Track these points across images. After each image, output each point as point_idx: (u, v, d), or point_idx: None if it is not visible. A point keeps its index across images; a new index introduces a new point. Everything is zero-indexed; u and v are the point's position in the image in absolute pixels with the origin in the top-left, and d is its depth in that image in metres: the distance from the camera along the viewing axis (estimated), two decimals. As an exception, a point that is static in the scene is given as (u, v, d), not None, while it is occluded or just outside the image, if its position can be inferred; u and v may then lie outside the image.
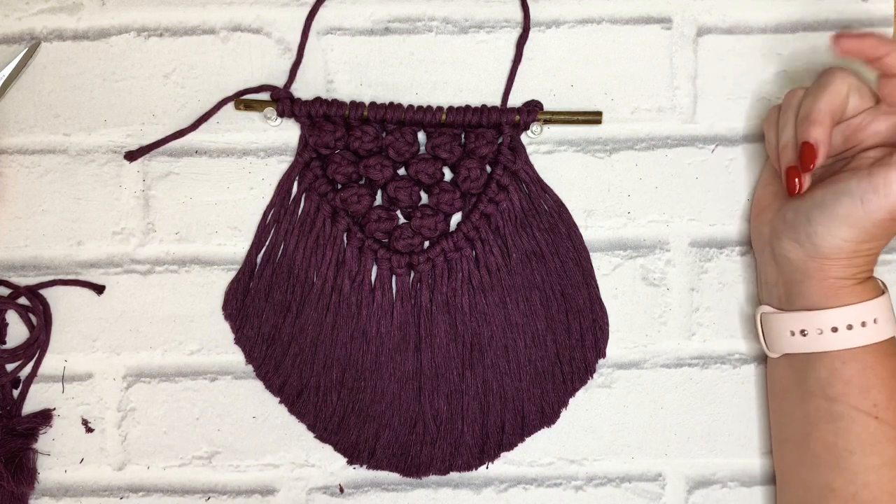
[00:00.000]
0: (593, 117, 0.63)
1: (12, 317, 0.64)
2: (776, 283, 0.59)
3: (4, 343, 0.64)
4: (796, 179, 0.55)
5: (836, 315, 0.55)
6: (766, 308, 0.59)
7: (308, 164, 0.63)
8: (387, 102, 0.62)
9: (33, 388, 0.64)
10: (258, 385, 0.64)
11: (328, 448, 0.63)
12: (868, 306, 0.55)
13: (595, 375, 0.63)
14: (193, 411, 0.64)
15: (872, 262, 0.56)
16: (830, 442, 0.55)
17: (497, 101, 0.64)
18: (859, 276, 0.56)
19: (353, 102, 0.62)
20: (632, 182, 0.64)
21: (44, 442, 0.64)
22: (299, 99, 0.63)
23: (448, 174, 0.63)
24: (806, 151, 0.54)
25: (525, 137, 0.63)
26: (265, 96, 0.64)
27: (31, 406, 0.64)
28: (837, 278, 0.55)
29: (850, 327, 0.55)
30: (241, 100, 0.63)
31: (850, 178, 0.53)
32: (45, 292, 0.64)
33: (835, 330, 0.55)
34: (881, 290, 0.57)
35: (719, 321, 0.64)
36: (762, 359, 0.63)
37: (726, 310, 0.63)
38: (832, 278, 0.55)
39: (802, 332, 0.56)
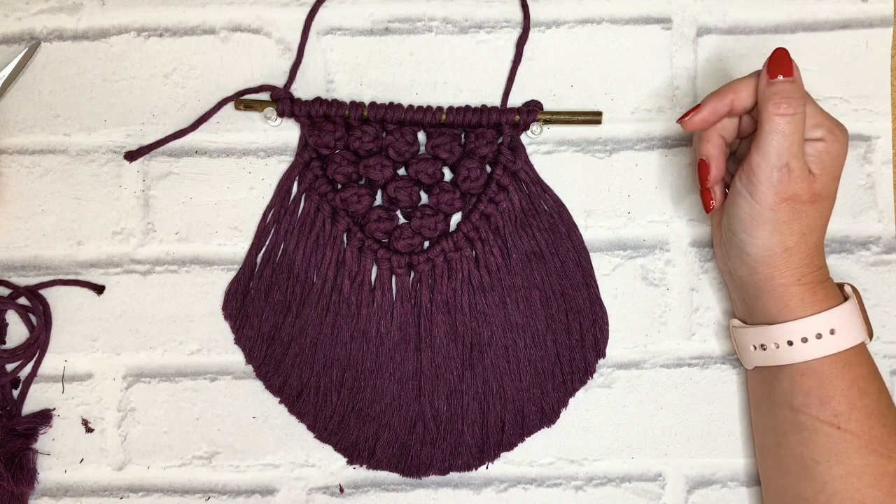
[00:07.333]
0: (593, 117, 0.63)
1: (12, 317, 0.64)
2: (738, 300, 0.60)
3: (4, 343, 0.64)
4: (710, 199, 0.57)
5: (789, 328, 0.55)
6: (734, 322, 0.60)
7: (308, 164, 0.63)
8: (387, 102, 0.62)
9: (33, 388, 0.64)
10: (258, 385, 0.64)
11: (328, 448, 0.63)
12: (822, 318, 0.54)
13: (595, 375, 0.63)
14: (193, 411, 0.64)
15: (816, 261, 0.55)
16: (797, 452, 0.55)
17: (497, 101, 0.64)
18: (808, 281, 0.55)
19: (353, 102, 0.62)
20: (632, 182, 0.64)
21: (44, 442, 0.64)
22: (299, 99, 0.63)
23: (448, 174, 0.63)
24: (700, 168, 0.57)
25: (525, 137, 0.63)
26: (265, 96, 0.64)
27: (31, 406, 0.64)
28: (786, 286, 0.55)
29: (804, 340, 0.54)
30: (241, 100, 0.63)
31: (735, 180, 0.55)
32: (45, 292, 0.64)
33: (790, 343, 0.55)
34: (841, 299, 0.56)
35: (719, 321, 0.64)
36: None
37: (726, 310, 0.63)
38: (780, 287, 0.55)
39: (762, 347, 0.57)
